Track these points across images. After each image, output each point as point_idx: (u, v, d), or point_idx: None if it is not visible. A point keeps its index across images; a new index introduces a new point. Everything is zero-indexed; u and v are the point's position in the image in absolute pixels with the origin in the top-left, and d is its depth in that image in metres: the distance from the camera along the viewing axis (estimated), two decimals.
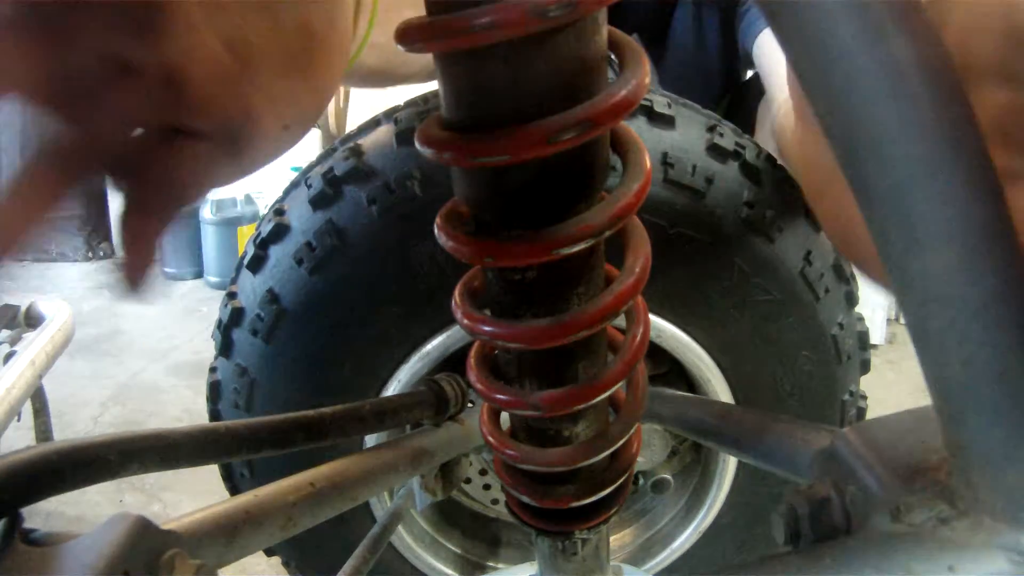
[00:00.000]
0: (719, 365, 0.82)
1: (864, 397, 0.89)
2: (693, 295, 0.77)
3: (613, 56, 0.40)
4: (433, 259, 0.74)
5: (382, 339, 0.78)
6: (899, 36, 0.27)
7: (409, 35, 0.37)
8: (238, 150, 0.41)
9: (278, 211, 0.80)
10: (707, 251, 0.75)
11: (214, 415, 0.86)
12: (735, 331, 0.79)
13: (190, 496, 2.08)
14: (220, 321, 0.83)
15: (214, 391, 0.84)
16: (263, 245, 0.79)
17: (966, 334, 0.31)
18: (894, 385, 2.58)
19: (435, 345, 0.80)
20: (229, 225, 4.10)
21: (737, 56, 1.46)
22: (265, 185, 4.17)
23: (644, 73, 0.38)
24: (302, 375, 0.79)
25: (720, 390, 0.82)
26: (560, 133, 0.35)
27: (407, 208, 0.73)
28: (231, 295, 0.83)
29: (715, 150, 0.75)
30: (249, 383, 0.80)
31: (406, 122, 0.77)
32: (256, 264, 0.79)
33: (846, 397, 0.84)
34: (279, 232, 0.77)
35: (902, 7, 0.27)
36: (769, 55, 1.24)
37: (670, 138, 0.77)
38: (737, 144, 0.77)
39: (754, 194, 0.75)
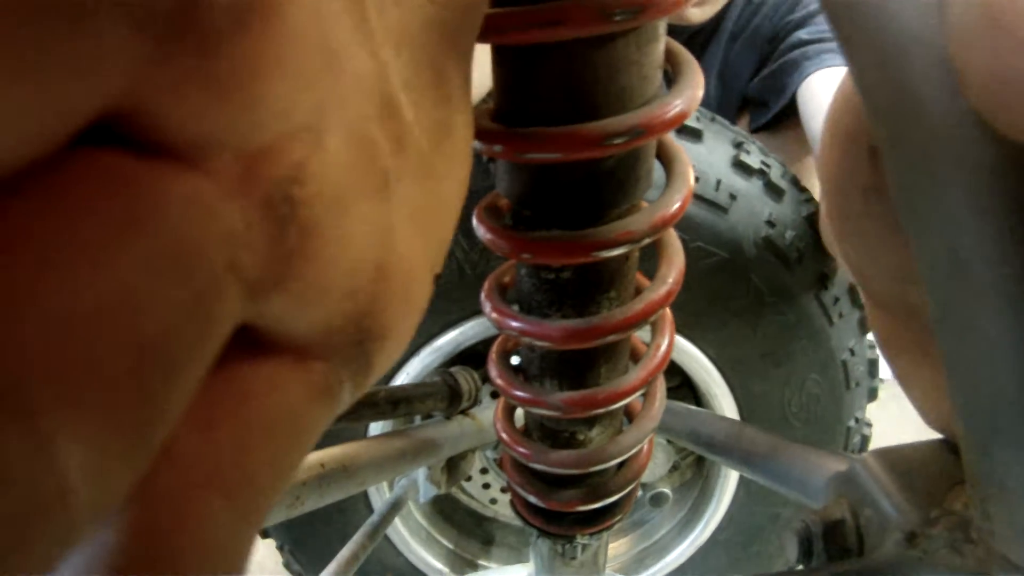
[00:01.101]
0: (728, 382, 0.82)
1: (869, 425, 0.89)
2: (708, 309, 0.77)
3: (669, 67, 0.41)
4: (451, 255, 0.74)
5: None
6: None
7: None
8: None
9: None
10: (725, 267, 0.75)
11: None
12: (746, 349, 0.79)
13: None
14: None
15: None
16: None
17: (1000, 367, 0.31)
18: (898, 421, 2.58)
19: (447, 340, 0.80)
20: None
21: (762, 101, 1.44)
22: None
23: (698, 86, 0.39)
24: None
25: (726, 405, 0.82)
26: (614, 137, 0.36)
27: None
28: None
29: (740, 167, 0.75)
30: None
31: None
32: None
33: (851, 423, 0.84)
34: None
35: None
36: (816, 97, 1.23)
37: (695, 151, 0.77)
38: (763, 163, 0.77)
39: (775, 213, 0.75)
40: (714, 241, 0.76)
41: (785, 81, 1.31)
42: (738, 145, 0.77)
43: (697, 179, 0.76)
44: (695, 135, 0.78)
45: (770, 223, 0.74)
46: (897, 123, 0.28)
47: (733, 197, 0.75)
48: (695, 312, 0.78)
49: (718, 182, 0.75)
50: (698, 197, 0.74)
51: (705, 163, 0.76)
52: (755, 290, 0.76)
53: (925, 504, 0.37)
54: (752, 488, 0.88)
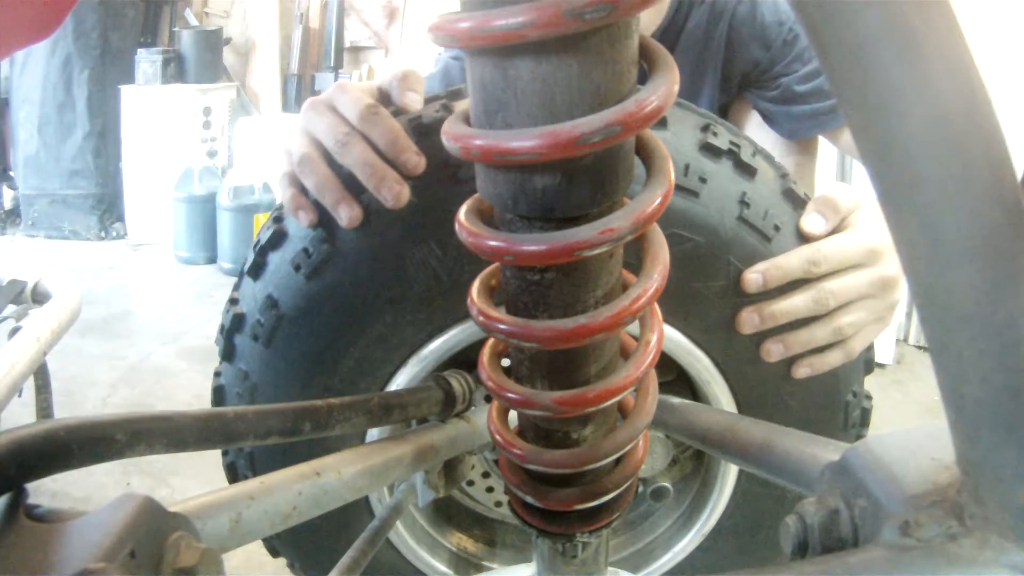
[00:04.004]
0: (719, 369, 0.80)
1: (869, 397, 0.87)
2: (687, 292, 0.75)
3: (644, 63, 0.41)
4: (426, 264, 0.74)
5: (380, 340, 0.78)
6: (935, 56, 0.27)
7: (442, 29, 0.37)
8: None
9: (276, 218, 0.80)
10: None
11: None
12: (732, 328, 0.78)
13: (198, 483, 2.07)
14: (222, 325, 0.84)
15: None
16: (262, 252, 0.80)
17: (986, 352, 0.31)
18: (901, 406, 2.58)
19: (432, 349, 0.79)
20: (246, 212, 4.12)
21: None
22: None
23: (674, 80, 0.39)
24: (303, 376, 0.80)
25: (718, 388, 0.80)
26: (589, 135, 0.36)
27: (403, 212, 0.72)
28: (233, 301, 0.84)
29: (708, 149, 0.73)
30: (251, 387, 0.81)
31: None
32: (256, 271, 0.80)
33: (849, 397, 0.83)
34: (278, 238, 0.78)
35: (940, 30, 0.27)
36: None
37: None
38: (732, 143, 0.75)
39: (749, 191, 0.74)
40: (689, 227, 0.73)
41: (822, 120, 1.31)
42: (705, 128, 0.75)
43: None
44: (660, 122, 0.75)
45: (744, 202, 0.72)
46: (879, 137, 0.28)
47: (703, 180, 0.72)
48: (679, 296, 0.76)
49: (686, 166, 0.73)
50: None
51: (672, 148, 0.74)
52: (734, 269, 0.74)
53: (919, 492, 0.37)
54: (753, 479, 0.88)
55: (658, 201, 0.41)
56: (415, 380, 0.79)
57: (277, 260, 0.78)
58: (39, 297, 1.41)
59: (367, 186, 0.69)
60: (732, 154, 0.74)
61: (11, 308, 1.39)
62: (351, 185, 0.71)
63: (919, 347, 3.08)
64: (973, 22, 2.63)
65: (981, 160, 0.28)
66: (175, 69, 4.89)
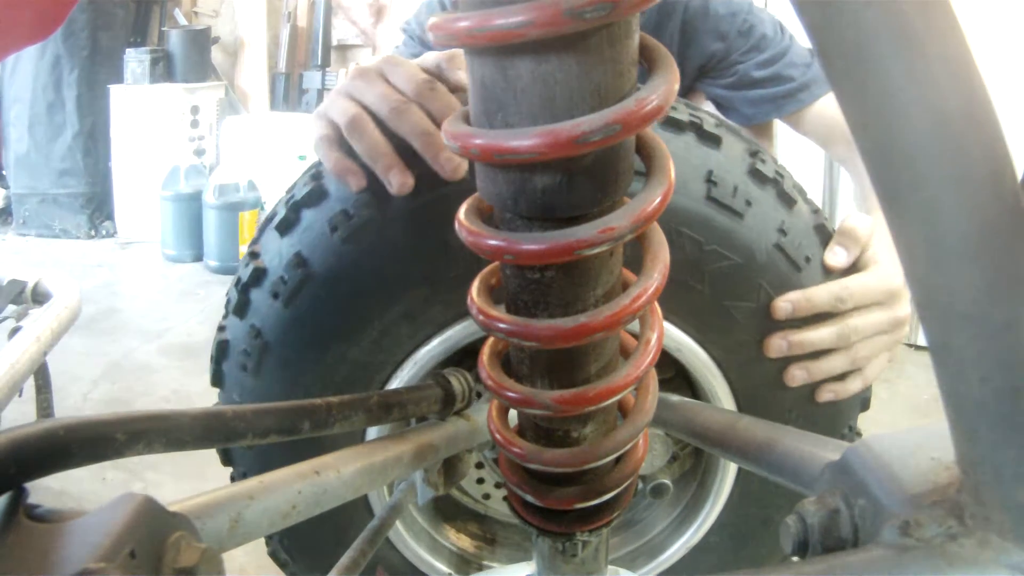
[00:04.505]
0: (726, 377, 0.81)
1: (859, 434, 0.90)
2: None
3: (644, 62, 0.40)
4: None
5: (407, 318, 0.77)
6: (935, 56, 0.27)
7: (441, 28, 0.37)
8: None
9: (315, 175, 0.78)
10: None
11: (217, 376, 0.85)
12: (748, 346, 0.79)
13: (173, 478, 2.08)
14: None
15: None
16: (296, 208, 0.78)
17: (986, 351, 0.31)
18: (889, 404, 2.58)
19: (455, 332, 0.79)
20: (231, 210, 4.12)
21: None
22: (269, 173, 4.18)
23: (674, 79, 0.39)
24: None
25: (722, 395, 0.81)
26: (589, 134, 0.35)
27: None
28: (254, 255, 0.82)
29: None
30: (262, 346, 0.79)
31: None
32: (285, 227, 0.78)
33: (845, 431, 0.85)
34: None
35: (940, 27, 0.27)
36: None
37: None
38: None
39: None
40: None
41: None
42: (754, 154, 0.77)
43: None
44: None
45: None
46: (879, 136, 0.27)
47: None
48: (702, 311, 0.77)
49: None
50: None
51: (723, 169, 0.76)
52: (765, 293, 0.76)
53: (919, 491, 0.37)
54: (753, 475, 0.88)
55: (658, 200, 0.41)
56: (435, 360, 0.78)
57: (311, 218, 0.76)
58: (39, 297, 1.41)
59: (424, 155, 0.68)
60: (776, 183, 0.75)
61: (11, 308, 1.39)
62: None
63: (908, 345, 3.08)
64: (973, 22, 2.63)
65: (981, 160, 0.28)
66: (164, 68, 4.89)
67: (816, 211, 0.79)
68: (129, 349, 3.01)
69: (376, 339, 0.77)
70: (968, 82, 0.28)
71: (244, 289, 0.80)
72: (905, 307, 0.80)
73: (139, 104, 4.73)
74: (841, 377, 0.80)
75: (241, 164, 4.32)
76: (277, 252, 0.78)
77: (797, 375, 0.78)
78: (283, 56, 5.61)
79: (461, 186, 0.68)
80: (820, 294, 0.76)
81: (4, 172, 5.12)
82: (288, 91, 5.55)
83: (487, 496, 1.03)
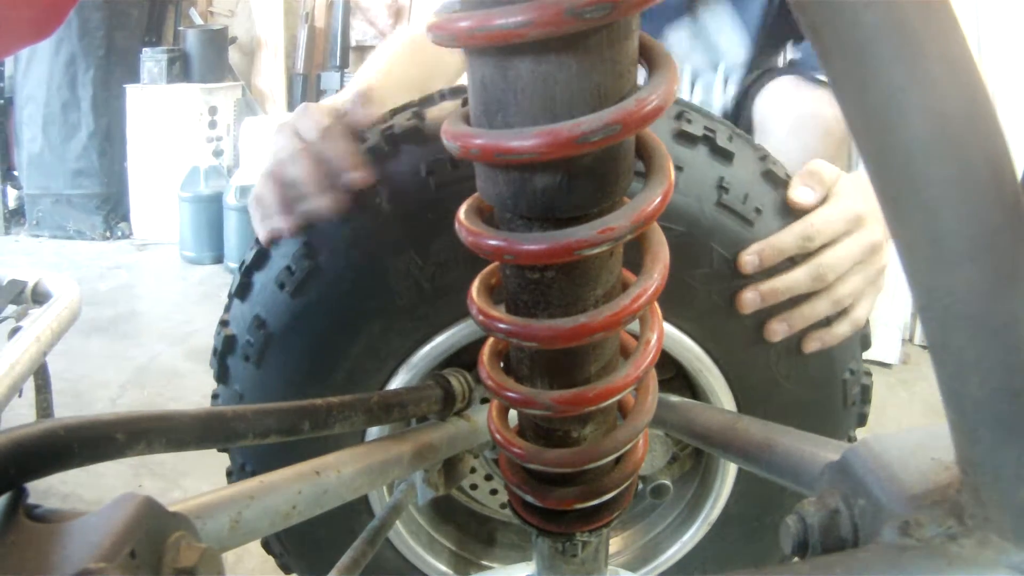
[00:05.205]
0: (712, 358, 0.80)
1: (868, 374, 0.86)
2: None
3: (644, 62, 0.40)
4: (408, 273, 0.74)
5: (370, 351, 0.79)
6: (935, 56, 0.27)
7: (442, 28, 0.37)
8: None
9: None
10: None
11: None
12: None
13: (209, 484, 2.05)
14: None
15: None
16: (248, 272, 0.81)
17: (986, 352, 0.31)
18: (907, 406, 2.57)
19: (418, 358, 0.79)
20: None
21: None
22: None
23: (673, 79, 0.39)
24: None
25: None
26: (589, 134, 0.36)
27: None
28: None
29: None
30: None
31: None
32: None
33: (847, 375, 0.82)
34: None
35: (940, 30, 0.27)
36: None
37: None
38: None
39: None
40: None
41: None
42: (679, 116, 0.75)
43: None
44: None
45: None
46: (879, 136, 0.27)
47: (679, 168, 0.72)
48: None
49: None
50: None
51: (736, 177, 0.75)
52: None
53: (919, 492, 0.37)
54: (753, 475, 0.88)
55: (658, 200, 0.41)
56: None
57: (262, 280, 0.79)
58: (39, 297, 1.41)
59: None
60: (708, 139, 0.74)
61: (11, 308, 1.38)
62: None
63: (924, 347, 3.07)
64: (973, 22, 2.63)
65: (981, 160, 0.28)
66: (180, 68, 4.86)
67: (763, 157, 0.77)
68: (155, 353, 2.96)
69: (346, 378, 0.79)
70: (968, 82, 0.28)
71: (221, 357, 0.84)
72: (876, 229, 0.76)
73: (155, 104, 4.71)
74: (826, 322, 0.76)
75: (262, 165, 4.32)
76: (241, 317, 0.81)
77: (778, 329, 0.74)
78: (301, 57, 5.58)
79: (387, 220, 0.71)
80: (785, 238, 0.72)
81: (17, 172, 5.10)
82: (306, 92, 5.51)
83: (474, 487, 1.03)
